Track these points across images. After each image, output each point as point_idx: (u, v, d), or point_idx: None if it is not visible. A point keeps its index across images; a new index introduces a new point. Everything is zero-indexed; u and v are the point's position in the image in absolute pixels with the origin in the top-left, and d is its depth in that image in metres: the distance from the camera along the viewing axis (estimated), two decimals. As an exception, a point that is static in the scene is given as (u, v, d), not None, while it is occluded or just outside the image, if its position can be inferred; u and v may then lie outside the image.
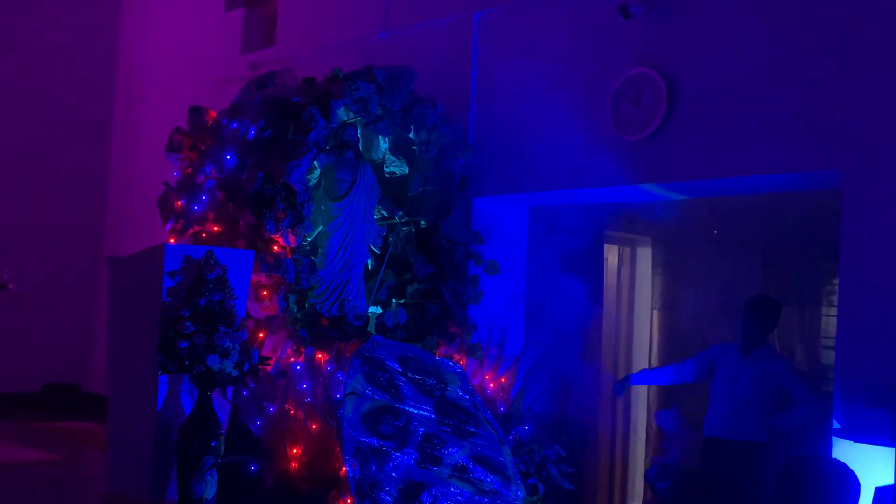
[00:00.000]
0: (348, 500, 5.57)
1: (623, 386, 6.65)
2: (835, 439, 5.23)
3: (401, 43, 8.00)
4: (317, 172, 6.81)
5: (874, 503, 4.63)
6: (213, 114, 7.19)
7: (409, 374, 5.93)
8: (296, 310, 6.60)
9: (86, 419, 9.34)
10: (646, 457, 8.29)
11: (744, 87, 5.92)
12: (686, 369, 6.25)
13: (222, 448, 5.48)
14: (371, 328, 6.83)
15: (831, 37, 5.55)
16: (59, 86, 11.23)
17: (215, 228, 6.72)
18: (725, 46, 6.05)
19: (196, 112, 7.23)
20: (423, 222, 7.15)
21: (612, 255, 8.35)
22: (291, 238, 6.57)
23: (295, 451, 5.81)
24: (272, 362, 6.03)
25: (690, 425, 6.89)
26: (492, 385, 6.72)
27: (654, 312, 8.32)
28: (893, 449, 4.65)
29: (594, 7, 6.75)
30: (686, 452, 6.79)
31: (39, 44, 11.13)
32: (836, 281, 5.79)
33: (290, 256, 6.57)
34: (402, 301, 7.07)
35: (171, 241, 6.62)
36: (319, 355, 6.33)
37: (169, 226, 6.93)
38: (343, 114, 6.79)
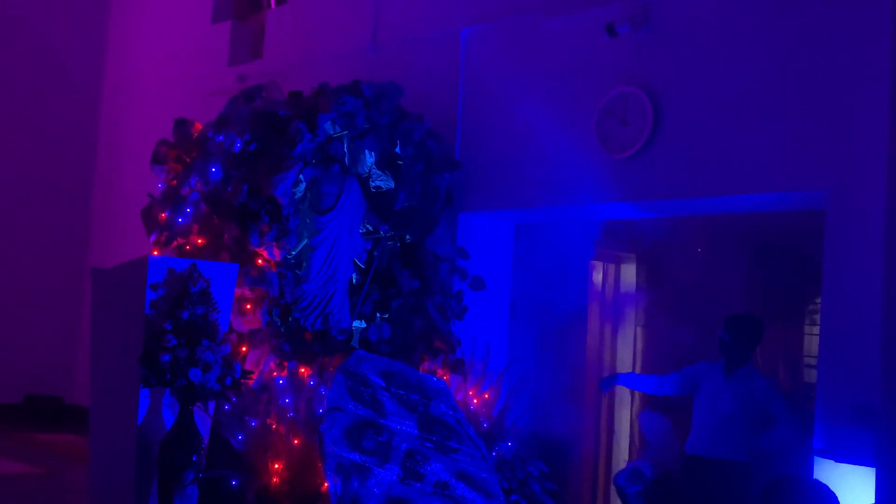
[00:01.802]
0: (330, 516, 5.54)
1: (610, 382, 6.68)
2: (816, 459, 5.24)
3: (388, 58, 8.01)
4: (302, 186, 6.80)
5: (855, 523, 4.64)
6: (198, 126, 7.18)
7: (393, 390, 5.91)
8: (279, 323, 6.58)
9: (68, 431, 9.27)
10: (629, 473, 8.29)
11: (729, 107, 5.96)
12: (669, 382, 6.25)
13: (203, 462, 5.44)
14: (355, 343, 6.81)
15: (817, 58, 5.60)
16: (45, 95, 11.19)
17: (199, 241, 6.70)
18: (712, 66, 6.08)
19: (182, 124, 7.21)
20: (408, 237, 7.15)
21: (596, 271, 8.37)
22: (276, 251, 6.56)
23: (277, 465, 5.78)
24: (255, 376, 6.00)
25: (675, 432, 6.83)
26: (475, 401, 6.71)
27: (638, 329, 8.34)
28: (874, 469, 4.66)
29: (581, 25, 6.79)
30: (664, 460, 6.73)
31: (25, 54, 11.09)
32: (819, 300, 5.82)
33: (274, 270, 6.55)
34: (386, 316, 7.05)
35: (155, 253, 6.59)
36: (302, 369, 6.31)
37: (153, 238, 6.90)
38: (329, 127, 6.80)
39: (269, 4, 10.00)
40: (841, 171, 5.41)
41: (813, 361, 7.13)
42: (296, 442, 5.84)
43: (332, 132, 6.83)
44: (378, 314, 7.08)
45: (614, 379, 6.69)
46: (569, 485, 7.58)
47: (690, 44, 6.22)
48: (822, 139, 5.51)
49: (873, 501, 4.58)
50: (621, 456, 8.35)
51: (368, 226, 7.06)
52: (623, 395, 8.33)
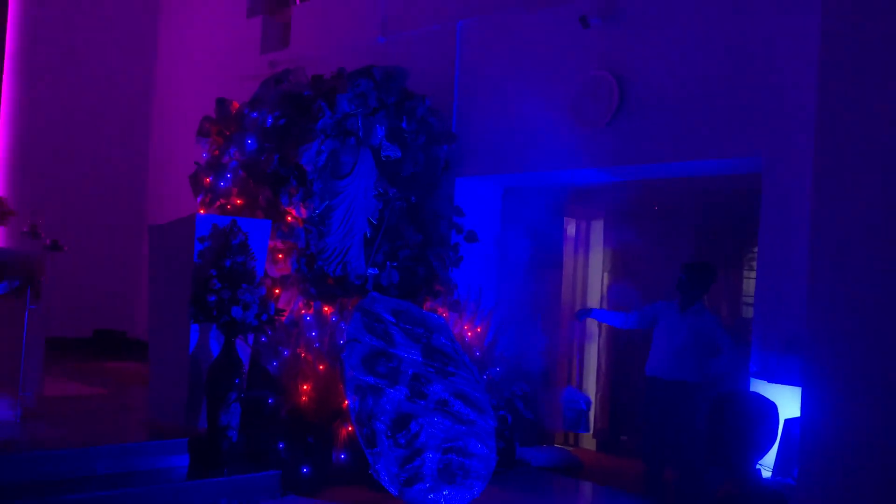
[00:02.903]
0: (350, 428, 5.57)
1: (584, 314, 6.58)
2: (752, 380, 5.27)
3: (396, 46, 7.91)
4: (324, 156, 6.74)
5: (783, 432, 4.68)
6: (236, 105, 7.10)
7: (401, 325, 5.91)
8: (306, 270, 6.57)
9: (130, 360, 9.27)
10: (596, 392, 8.33)
11: (681, 86, 5.90)
12: (633, 318, 6.24)
13: (244, 385, 5.46)
14: (369, 286, 6.81)
15: (754, 44, 5.53)
16: (108, 84, 11.08)
17: (238, 201, 6.66)
18: (667, 51, 6.02)
19: (222, 103, 7.13)
20: (413, 198, 7.11)
21: (570, 226, 8.34)
22: (303, 210, 6.53)
23: (305, 387, 5.81)
24: (286, 314, 6.01)
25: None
26: (469, 334, 6.72)
27: (605, 274, 8.33)
28: (800, 388, 4.68)
29: (559, 18, 6.70)
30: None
31: (91, 49, 10.94)
32: (756, 249, 5.80)
33: (301, 226, 6.52)
34: (395, 264, 7.04)
35: (202, 211, 6.55)
36: (326, 308, 6.31)
37: (199, 199, 6.86)
38: (346, 106, 6.73)
39: (296, 1, 9.83)
40: (775, 140, 5.37)
41: (750, 300, 7.13)
42: (321, 368, 5.86)
43: (348, 110, 6.76)
44: (388, 263, 7.08)
45: (588, 312, 6.63)
46: (545, 401, 7.61)
47: (650, 33, 6.14)
48: (758, 112, 5.46)
49: (798, 414, 4.61)
50: (590, 378, 8.39)
51: (380, 189, 7.02)
52: (592, 329, 8.34)
